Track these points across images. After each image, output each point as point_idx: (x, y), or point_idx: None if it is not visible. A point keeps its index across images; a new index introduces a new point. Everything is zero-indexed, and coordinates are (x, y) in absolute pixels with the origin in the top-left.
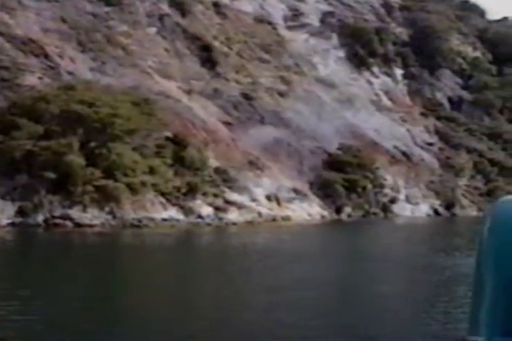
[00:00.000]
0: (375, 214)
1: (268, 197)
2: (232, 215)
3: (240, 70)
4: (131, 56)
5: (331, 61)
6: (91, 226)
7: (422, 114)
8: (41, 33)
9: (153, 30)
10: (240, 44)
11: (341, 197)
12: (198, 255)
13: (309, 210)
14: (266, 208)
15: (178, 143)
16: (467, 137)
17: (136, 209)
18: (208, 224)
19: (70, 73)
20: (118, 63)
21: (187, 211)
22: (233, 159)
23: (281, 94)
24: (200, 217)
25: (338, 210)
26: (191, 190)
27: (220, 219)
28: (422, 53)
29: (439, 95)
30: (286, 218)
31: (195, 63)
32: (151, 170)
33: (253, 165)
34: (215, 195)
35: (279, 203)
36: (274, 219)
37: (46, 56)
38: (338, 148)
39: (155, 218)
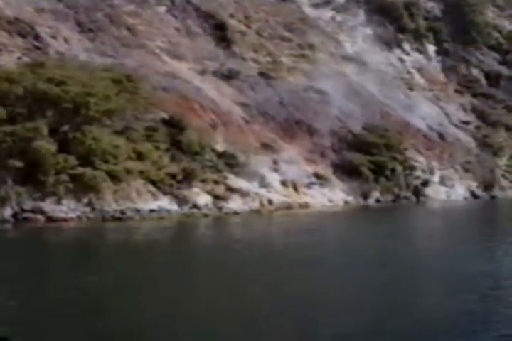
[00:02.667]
0: (406, 198)
1: (283, 183)
2: (234, 204)
3: (258, 49)
4: (136, 36)
5: (358, 39)
6: (66, 220)
7: (457, 92)
8: (35, 13)
9: (162, 8)
10: (259, 22)
11: (368, 180)
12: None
13: (331, 196)
14: (281, 195)
15: (174, 125)
16: (506, 114)
17: (118, 199)
18: (205, 215)
19: (60, 53)
20: (121, 44)
21: (181, 200)
22: (245, 142)
23: (304, 74)
24: (195, 206)
25: (365, 195)
26: (187, 177)
27: (220, 208)
28: (456, 28)
29: (474, 71)
30: (304, 205)
31: (209, 43)
32: (139, 156)
33: (268, 148)
34: (216, 182)
35: (296, 189)
36: (289, 207)
37: (37, 36)
38: (364, 128)
39: (141, 209)
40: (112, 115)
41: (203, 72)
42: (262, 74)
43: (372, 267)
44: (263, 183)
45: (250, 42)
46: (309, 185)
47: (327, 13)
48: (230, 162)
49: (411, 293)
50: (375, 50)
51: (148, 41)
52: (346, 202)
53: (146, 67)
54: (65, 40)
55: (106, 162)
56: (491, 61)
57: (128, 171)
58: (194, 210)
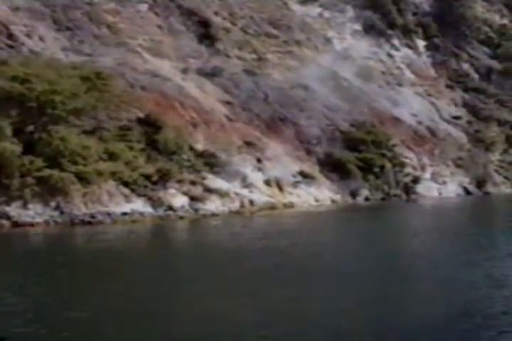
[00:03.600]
0: (396, 196)
1: (267, 182)
2: (213, 205)
3: (243, 46)
4: (117, 35)
5: (347, 35)
6: (33, 225)
7: (448, 87)
8: (10, 11)
9: (144, 6)
10: (244, 19)
11: (356, 178)
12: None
13: (317, 195)
14: (264, 195)
15: (151, 124)
16: (498, 109)
17: (88, 202)
18: (181, 217)
19: (34, 52)
20: (101, 42)
21: (156, 202)
22: (227, 141)
23: (290, 71)
24: (171, 208)
25: (354, 194)
26: (163, 178)
27: (196, 210)
28: (445, 23)
29: (465, 66)
30: (289, 205)
31: (193, 40)
32: (112, 157)
33: (252, 146)
34: (193, 183)
35: (280, 188)
36: (272, 207)
37: (10, 35)
38: (351, 125)
39: (112, 212)
40: (80, 114)
41: (185, 70)
42: (246, 71)
43: (340, 276)
44: (245, 183)
45: (235, 39)
46: (295, 184)
47: (314, 10)
48: (209, 161)
49: (381, 307)
50: (364, 46)
51: (129, 39)
52: (333, 201)
53: (124, 66)
54: (41, 38)
55: (75, 163)
56: (482, 55)
57: (98, 173)
58: (169, 212)
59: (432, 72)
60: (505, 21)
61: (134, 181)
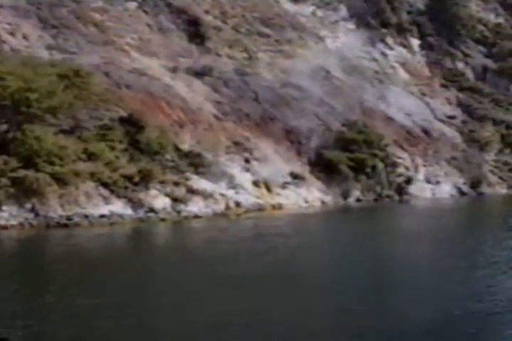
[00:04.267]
0: (388, 196)
1: (256, 183)
2: (196, 207)
3: (234, 45)
4: (104, 33)
5: (340, 34)
6: (7, 227)
7: (443, 86)
8: None
9: (133, 4)
10: (236, 18)
11: (347, 179)
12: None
13: (307, 196)
14: (252, 196)
15: (134, 124)
16: (493, 108)
17: (64, 204)
18: (162, 219)
19: (15, 51)
20: (87, 40)
21: (136, 204)
22: (214, 141)
23: (282, 70)
24: (152, 210)
25: (345, 195)
26: (144, 179)
27: (178, 212)
28: (440, 22)
29: (460, 65)
30: (278, 206)
31: (182, 39)
32: (91, 157)
33: (240, 146)
34: (176, 184)
35: (269, 189)
36: (260, 209)
37: None
38: (343, 124)
39: (90, 214)
40: (57, 113)
41: (174, 69)
42: (237, 70)
43: (302, 288)
44: (232, 184)
45: (226, 38)
46: (284, 185)
47: (307, 8)
48: (195, 162)
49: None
50: (358, 44)
51: (116, 38)
52: (324, 203)
53: (110, 64)
54: (25, 36)
55: (51, 164)
56: (477, 54)
57: (76, 173)
58: (150, 214)
59: (426, 71)
60: (501, 20)
61: (114, 182)
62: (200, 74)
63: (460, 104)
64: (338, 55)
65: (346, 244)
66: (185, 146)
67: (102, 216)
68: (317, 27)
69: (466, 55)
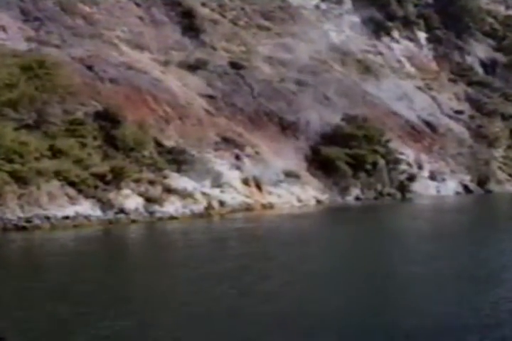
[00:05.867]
0: (389, 195)
1: (245, 181)
2: (172, 207)
3: (231, 38)
4: (92, 26)
5: (345, 27)
6: None
7: (451, 80)
8: None
9: None
10: (235, 11)
11: (346, 176)
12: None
13: (301, 195)
14: (241, 195)
15: (111, 119)
16: (502, 103)
17: (24, 205)
18: (133, 221)
19: None
20: (73, 33)
21: (106, 204)
22: (202, 137)
23: (282, 64)
24: (122, 211)
25: (343, 193)
26: (117, 177)
27: (152, 213)
28: (448, 14)
29: (469, 59)
30: (268, 206)
31: (176, 32)
32: (58, 154)
33: (231, 143)
34: (152, 182)
35: (259, 188)
36: (248, 209)
37: None
38: (343, 119)
39: (52, 216)
40: (17, 106)
41: (166, 63)
42: (232, 64)
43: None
44: (218, 182)
45: (222, 31)
46: (276, 183)
47: (311, 2)
48: (178, 158)
49: None
50: (363, 38)
51: (106, 31)
52: (319, 202)
53: (95, 57)
54: (3, 29)
55: (10, 162)
56: (486, 48)
57: (39, 172)
58: (120, 216)
59: (433, 66)
60: (511, 12)
61: (83, 181)
62: (193, 67)
63: (468, 99)
64: (342, 48)
65: (321, 251)
66: (169, 142)
67: (66, 217)
68: (321, 20)
69: (475, 49)
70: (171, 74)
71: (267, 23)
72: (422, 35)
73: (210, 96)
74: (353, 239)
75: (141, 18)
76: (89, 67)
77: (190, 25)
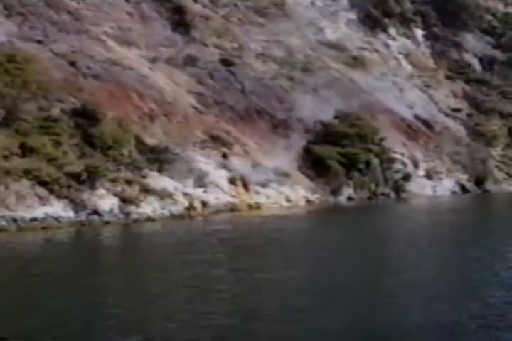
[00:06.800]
0: (384, 194)
1: (232, 181)
2: (149, 208)
3: (223, 35)
4: (79, 21)
5: (341, 24)
6: None
7: (448, 78)
8: None
9: None
10: (227, 7)
11: (338, 175)
12: None
13: (290, 195)
14: (227, 195)
15: (89, 116)
16: (500, 101)
17: None
18: (107, 222)
19: None
20: (58, 29)
21: (78, 205)
22: (188, 135)
23: (275, 61)
24: (95, 212)
25: (335, 193)
26: (92, 177)
27: (127, 214)
28: (445, 11)
29: (467, 56)
30: (255, 206)
31: (166, 28)
32: (28, 152)
33: (218, 141)
34: (129, 182)
35: (246, 187)
36: (233, 209)
37: None
38: (336, 117)
39: (20, 218)
40: None
41: (154, 59)
42: (223, 60)
43: None
44: (201, 182)
45: (214, 27)
46: (265, 183)
47: None
48: (160, 157)
49: None
50: (359, 35)
51: (92, 27)
52: (309, 202)
53: (79, 53)
54: None
55: None
56: (485, 45)
57: (6, 171)
58: (94, 217)
59: (430, 63)
60: (510, 9)
61: (55, 180)
62: (182, 64)
63: (466, 97)
64: (338, 45)
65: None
66: (152, 140)
67: (34, 219)
68: (316, 17)
69: (473, 46)
70: (159, 71)
71: (260, 20)
72: (419, 33)
73: (199, 94)
74: (329, 244)
75: (130, 14)
76: (72, 63)
77: (180, 21)
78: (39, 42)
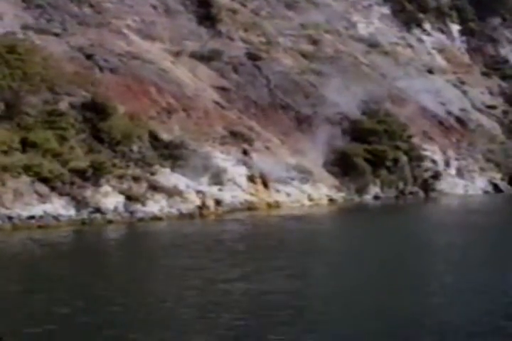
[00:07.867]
0: (412, 193)
1: (251, 178)
2: (156, 206)
3: (250, 28)
4: (101, 15)
5: (374, 19)
6: None
7: (484, 74)
8: None
9: None
10: (257, 1)
11: (364, 173)
12: None
13: (312, 193)
14: (246, 193)
15: (100, 111)
16: None
17: None
18: (109, 221)
19: None
20: (78, 22)
21: (80, 203)
22: (207, 130)
23: (304, 55)
24: (98, 210)
25: (361, 191)
26: (97, 173)
27: (132, 212)
28: (482, 5)
29: (503, 52)
30: (275, 205)
31: (191, 21)
32: (30, 148)
33: (239, 137)
34: (136, 179)
35: (266, 185)
36: (251, 208)
37: None
38: (364, 113)
39: (16, 216)
40: None
41: (178, 53)
42: (249, 55)
43: None
44: (217, 179)
45: (241, 21)
46: (286, 180)
47: None
48: (173, 153)
49: None
50: (392, 30)
51: (114, 20)
52: (332, 200)
53: (98, 47)
54: None
55: None
56: None
57: (4, 167)
58: (96, 215)
59: (466, 59)
60: None
61: (57, 177)
62: (207, 58)
63: (502, 93)
64: (370, 40)
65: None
66: (168, 136)
67: (31, 217)
68: (349, 12)
69: (510, 42)
70: (181, 65)
71: (290, 13)
72: (454, 28)
73: (223, 88)
74: (341, 254)
75: (154, 7)
76: (89, 56)
77: (206, 14)
78: (56, 34)
